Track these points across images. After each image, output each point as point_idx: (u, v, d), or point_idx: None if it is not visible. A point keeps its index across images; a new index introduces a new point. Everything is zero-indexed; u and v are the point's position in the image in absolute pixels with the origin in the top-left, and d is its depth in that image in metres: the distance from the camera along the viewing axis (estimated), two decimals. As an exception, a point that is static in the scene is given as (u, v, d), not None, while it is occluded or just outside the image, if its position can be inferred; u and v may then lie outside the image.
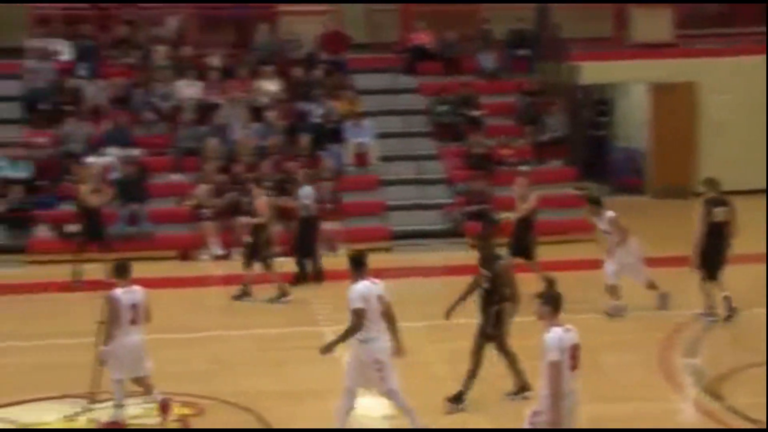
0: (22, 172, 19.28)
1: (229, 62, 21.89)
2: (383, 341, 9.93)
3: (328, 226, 18.74)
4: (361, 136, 20.54)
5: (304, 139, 20.11)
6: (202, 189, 18.96)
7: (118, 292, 10.53)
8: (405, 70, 22.62)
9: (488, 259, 11.30)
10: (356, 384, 10.01)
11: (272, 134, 20.22)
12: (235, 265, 18.18)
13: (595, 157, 25.30)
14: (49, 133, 20.17)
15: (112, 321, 10.48)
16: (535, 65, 22.68)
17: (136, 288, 10.65)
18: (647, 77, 23.65)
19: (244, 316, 15.31)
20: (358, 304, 9.74)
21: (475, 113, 21.36)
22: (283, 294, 15.82)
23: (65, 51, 21.81)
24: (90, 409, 11.14)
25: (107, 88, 21.00)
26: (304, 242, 16.80)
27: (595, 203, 15.03)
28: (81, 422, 10.98)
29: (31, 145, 19.82)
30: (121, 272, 10.63)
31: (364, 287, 9.85)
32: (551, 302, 8.46)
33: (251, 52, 22.34)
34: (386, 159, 20.57)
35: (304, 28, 22.62)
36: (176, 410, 11.11)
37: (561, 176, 20.55)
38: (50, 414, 11.16)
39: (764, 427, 10.48)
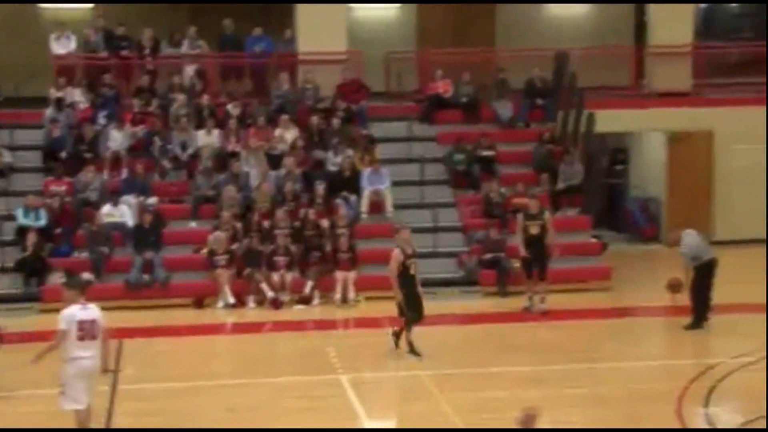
0: (37, 221, 19.40)
1: (247, 110, 22.05)
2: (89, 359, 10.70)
3: (343, 275, 18.82)
4: (378, 184, 20.59)
5: (321, 187, 20.18)
6: (217, 236, 19.02)
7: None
8: (422, 118, 22.71)
9: None
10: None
11: (289, 182, 20.30)
12: (250, 314, 18.32)
13: (611, 205, 25.32)
14: (67, 182, 20.33)
15: None
16: (553, 114, 22.71)
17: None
18: (664, 126, 23.69)
19: (260, 364, 15.29)
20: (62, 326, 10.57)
21: (490, 153, 21.39)
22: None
23: (85, 100, 22.06)
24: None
25: (126, 136, 21.17)
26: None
27: None
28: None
29: (48, 193, 19.98)
30: None
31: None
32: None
33: (269, 100, 22.52)
34: (402, 207, 20.60)
35: (322, 76, 22.77)
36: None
37: (577, 224, 20.50)
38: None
39: None
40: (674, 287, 16.48)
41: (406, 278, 14.70)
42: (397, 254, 14.76)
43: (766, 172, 22.75)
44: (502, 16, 26.15)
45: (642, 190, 25.15)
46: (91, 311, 10.66)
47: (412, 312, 14.73)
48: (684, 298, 16.36)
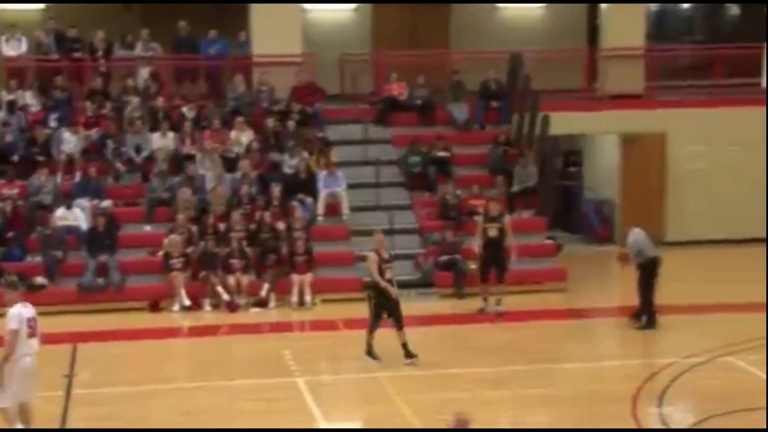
0: (-11, 225, 19.20)
1: (202, 113, 21.94)
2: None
3: (299, 277, 18.77)
4: (334, 186, 20.58)
5: (276, 190, 20.13)
6: (172, 239, 18.91)
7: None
8: (378, 120, 22.72)
9: None
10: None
11: (245, 184, 20.23)
12: (205, 317, 18.24)
13: (566, 207, 25.51)
14: (19, 185, 20.12)
15: None
16: (507, 116, 22.83)
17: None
18: (617, 128, 23.89)
19: (216, 367, 15.22)
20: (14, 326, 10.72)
21: (445, 155, 21.45)
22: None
23: (36, 103, 21.83)
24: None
25: (79, 139, 20.99)
26: None
27: None
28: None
29: (0, 196, 19.73)
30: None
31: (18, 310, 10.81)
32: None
33: (224, 102, 22.42)
34: (358, 209, 20.60)
35: (277, 78, 22.71)
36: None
37: (531, 226, 20.61)
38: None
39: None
40: (623, 258, 16.79)
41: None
42: (373, 257, 14.65)
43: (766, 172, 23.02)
44: (456, 18, 26.24)
45: (596, 191, 25.35)
46: (31, 309, 10.89)
47: (378, 313, 14.61)
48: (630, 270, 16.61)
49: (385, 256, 14.79)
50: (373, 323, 14.76)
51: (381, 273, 14.59)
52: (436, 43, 25.22)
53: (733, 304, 17.68)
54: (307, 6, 24.73)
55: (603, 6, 24.67)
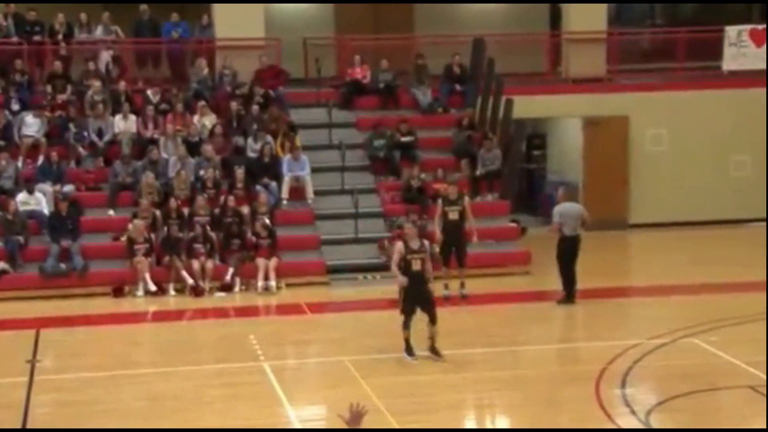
0: (-51, 210, 18.99)
1: (165, 97, 21.80)
2: None
3: (263, 261, 18.73)
4: (298, 170, 20.54)
5: (240, 174, 20.06)
6: (136, 224, 18.81)
7: None
8: (342, 104, 22.68)
9: None
10: None
11: (208, 168, 20.15)
12: (170, 302, 18.17)
13: (530, 190, 25.60)
14: (-20, 169, 19.93)
15: None
16: (471, 100, 22.87)
17: None
18: (580, 112, 24.01)
19: (181, 352, 15.18)
20: None
21: (409, 139, 21.45)
22: None
23: (-4, 87, 21.63)
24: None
25: (40, 123, 20.81)
26: None
27: None
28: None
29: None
30: None
31: None
32: None
33: (187, 86, 22.29)
34: (322, 193, 20.58)
35: (241, 62, 22.61)
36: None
37: (495, 209, 20.69)
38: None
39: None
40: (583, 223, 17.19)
41: (408, 275, 13.92)
42: (398, 246, 14.13)
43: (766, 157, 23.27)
44: (420, 4, 26.20)
45: (559, 174, 25.45)
46: None
47: (407, 307, 14.01)
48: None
49: (414, 246, 14.04)
50: (406, 318, 14.06)
51: (408, 264, 13.93)
52: (399, 28, 25.19)
53: (696, 286, 17.88)
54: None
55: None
